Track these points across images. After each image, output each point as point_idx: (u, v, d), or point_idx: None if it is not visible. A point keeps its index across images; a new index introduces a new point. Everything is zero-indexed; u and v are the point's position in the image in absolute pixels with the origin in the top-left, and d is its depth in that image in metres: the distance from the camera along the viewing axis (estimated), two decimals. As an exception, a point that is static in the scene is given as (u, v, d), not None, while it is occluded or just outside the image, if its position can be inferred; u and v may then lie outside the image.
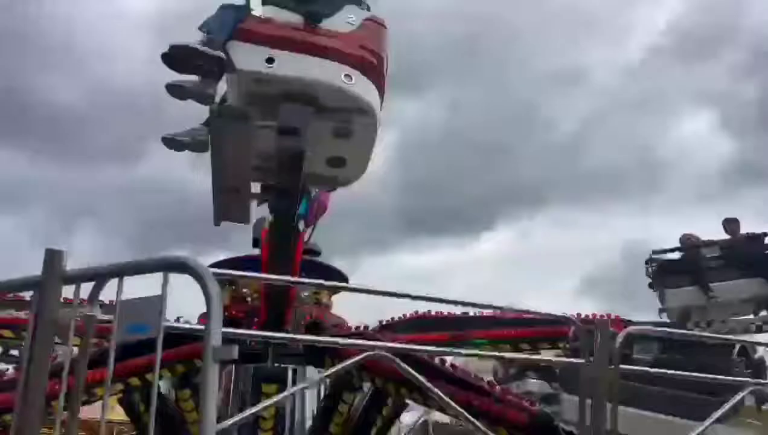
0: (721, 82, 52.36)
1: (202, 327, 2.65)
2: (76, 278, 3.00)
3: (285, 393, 5.41)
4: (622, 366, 4.25)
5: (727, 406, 5.28)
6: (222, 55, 5.04)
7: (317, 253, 10.99)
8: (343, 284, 7.13)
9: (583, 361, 4.20)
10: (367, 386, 7.52)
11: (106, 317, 2.98)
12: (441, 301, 5.70)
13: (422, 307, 10.04)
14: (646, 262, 11.15)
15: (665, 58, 54.96)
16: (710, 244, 10.96)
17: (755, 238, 10.61)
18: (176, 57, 5.04)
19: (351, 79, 5.15)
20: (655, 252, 11.22)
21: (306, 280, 6.07)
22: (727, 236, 10.94)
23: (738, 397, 5.61)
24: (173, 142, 5.57)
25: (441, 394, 3.79)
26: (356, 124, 5.36)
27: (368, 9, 5.66)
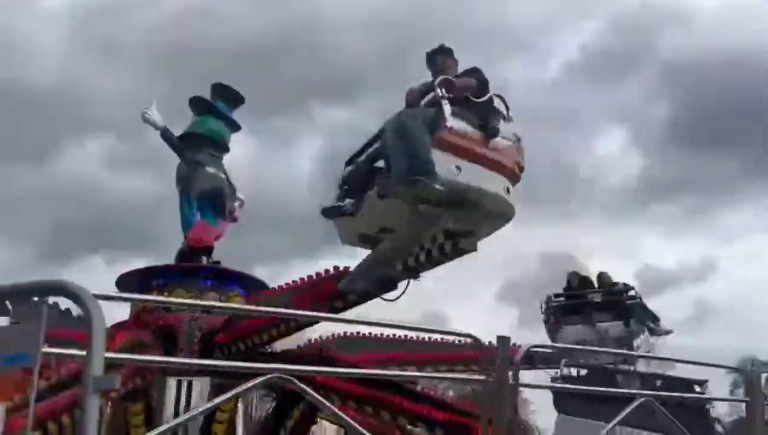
0: (632, 100, 55.09)
1: (83, 353, 2.50)
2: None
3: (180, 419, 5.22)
4: (521, 382, 4.37)
5: (621, 415, 5.55)
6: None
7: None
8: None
9: (484, 377, 4.28)
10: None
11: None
12: (342, 320, 5.67)
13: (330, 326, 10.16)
14: (544, 304, 13.55)
15: (581, 77, 57.45)
16: (596, 291, 13.58)
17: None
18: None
19: (509, 191, 5.82)
20: (551, 297, 13.71)
21: (189, 301, 5.97)
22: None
23: (631, 407, 5.92)
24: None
25: (338, 411, 3.72)
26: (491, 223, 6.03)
27: (511, 123, 6.14)
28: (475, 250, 6.29)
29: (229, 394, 3.04)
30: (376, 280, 6.68)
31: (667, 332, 13.77)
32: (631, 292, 13.65)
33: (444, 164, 5.55)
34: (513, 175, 5.96)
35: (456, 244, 6.00)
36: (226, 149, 11.34)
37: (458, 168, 5.63)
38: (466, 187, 5.62)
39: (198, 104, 11.24)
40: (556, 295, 13.74)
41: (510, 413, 4.24)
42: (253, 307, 6.37)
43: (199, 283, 9.89)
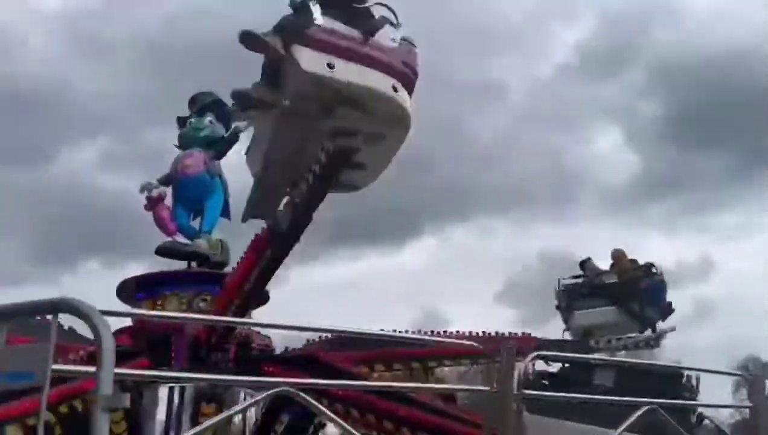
0: (626, 99, 55.16)
1: (93, 369, 2.50)
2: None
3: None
4: (526, 391, 4.27)
5: (627, 422, 5.51)
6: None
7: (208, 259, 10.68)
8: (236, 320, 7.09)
9: (488, 388, 4.17)
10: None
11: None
12: (352, 332, 5.68)
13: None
14: (556, 288, 12.21)
15: (574, 75, 57.61)
16: (607, 272, 12.33)
17: (645, 269, 12.18)
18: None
19: (397, 90, 5.72)
20: (564, 280, 12.39)
21: (196, 317, 5.92)
22: (611, 262, 12.50)
23: (636, 414, 5.87)
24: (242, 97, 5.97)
25: (343, 423, 3.71)
26: (391, 131, 5.93)
27: (400, 28, 6.24)
28: (364, 184, 6.13)
29: (238, 408, 3.04)
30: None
31: (666, 332, 12.09)
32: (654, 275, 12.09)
33: (314, 61, 5.44)
34: (403, 76, 5.89)
35: (344, 156, 5.65)
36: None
37: (330, 65, 5.47)
38: (346, 84, 5.47)
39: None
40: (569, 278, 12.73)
41: (515, 423, 4.19)
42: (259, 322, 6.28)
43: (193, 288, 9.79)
